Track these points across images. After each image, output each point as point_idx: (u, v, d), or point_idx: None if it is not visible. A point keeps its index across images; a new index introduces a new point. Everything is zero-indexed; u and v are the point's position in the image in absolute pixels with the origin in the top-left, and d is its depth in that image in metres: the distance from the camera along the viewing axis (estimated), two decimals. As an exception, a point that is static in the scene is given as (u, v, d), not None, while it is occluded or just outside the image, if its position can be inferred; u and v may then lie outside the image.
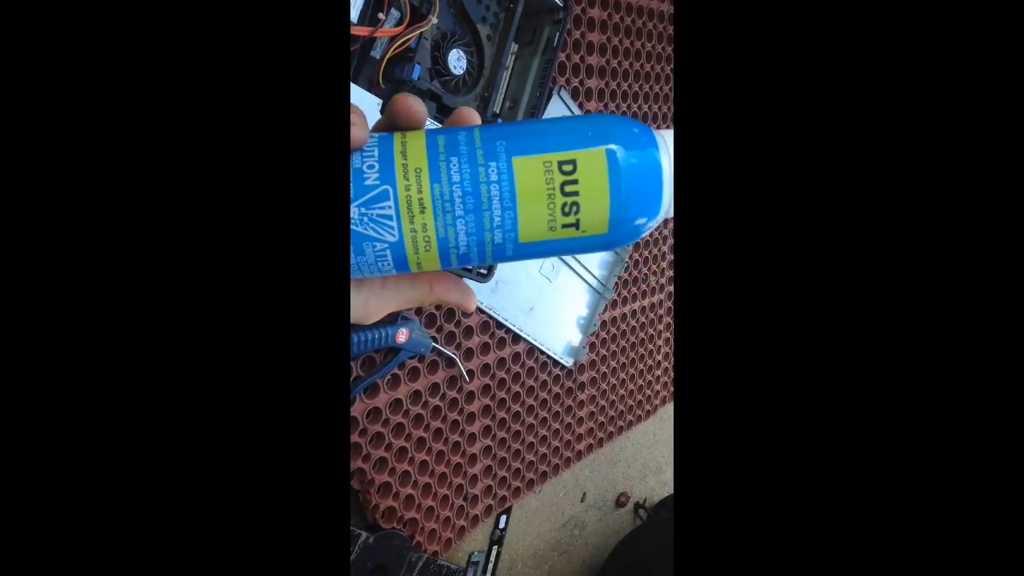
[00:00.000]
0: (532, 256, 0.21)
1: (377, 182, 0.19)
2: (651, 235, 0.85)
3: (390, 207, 0.19)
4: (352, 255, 0.19)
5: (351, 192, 0.19)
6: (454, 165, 0.19)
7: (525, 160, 0.20)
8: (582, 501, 0.86)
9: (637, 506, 0.97)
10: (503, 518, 0.73)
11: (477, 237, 0.20)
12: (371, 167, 0.19)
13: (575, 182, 0.20)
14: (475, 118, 0.22)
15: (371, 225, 0.19)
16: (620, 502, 0.93)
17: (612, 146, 0.20)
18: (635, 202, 0.21)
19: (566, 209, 0.20)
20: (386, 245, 0.19)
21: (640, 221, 0.21)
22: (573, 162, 0.20)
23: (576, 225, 0.20)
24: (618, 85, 0.71)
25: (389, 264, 0.20)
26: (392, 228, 0.19)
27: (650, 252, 0.86)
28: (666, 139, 0.22)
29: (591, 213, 0.20)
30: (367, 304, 0.23)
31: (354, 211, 0.19)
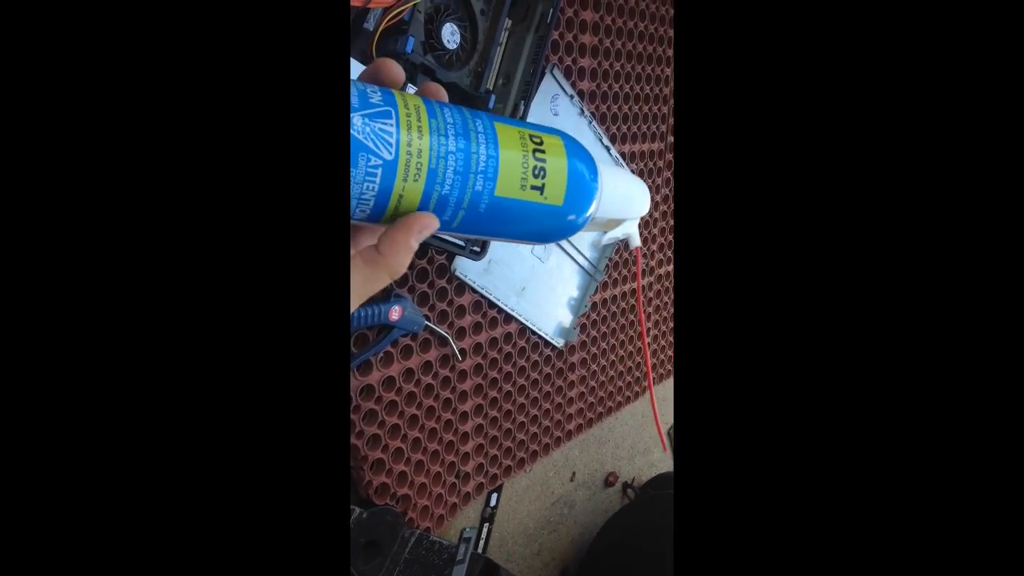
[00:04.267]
0: (499, 220, 0.23)
1: (381, 102, 0.20)
2: (641, 219, 0.85)
3: (392, 124, 0.20)
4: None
5: (356, 103, 0.19)
6: (447, 112, 0.22)
7: (504, 126, 0.23)
8: (571, 480, 0.87)
9: (625, 486, 0.98)
10: (494, 496, 0.73)
11: (463, 179, 0.21)
12: (374, 91, 0.20)
13: (543, 151, 0.23)
14: (442, 93, 0.24)
15: (372, 136, 0.19)
16: (609, 481, 0.94)
17: (567, 140, 0.24)
18: (585, 179, 0.24)
19: (536, 171, 0.23)
20: (380, 162, 0.20)
21: (586, 214, 0.25)
22: (540, 139, 0.23)
23: (541, 189, 0.23)
24: (611, 65, 0.71)
25: (373, 189, 0.20)
26: (391, 144, 0.20)
27: (641, 236, 0.86)
28: (602, 171, 0.26)
29: (554, 180, 0.23)
30: None
31: (356, 119, 0.19)
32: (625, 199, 0.27)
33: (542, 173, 0.23)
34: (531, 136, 0.23)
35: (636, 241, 0.31)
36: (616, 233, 0.29)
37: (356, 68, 0.41)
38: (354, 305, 0.22)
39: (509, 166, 0.22)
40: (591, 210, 0.25)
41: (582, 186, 0.24)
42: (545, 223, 0.24)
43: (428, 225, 0.22)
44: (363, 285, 0.22)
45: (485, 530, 0.72)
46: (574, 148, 0.24)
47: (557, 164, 0.23)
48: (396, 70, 0.23)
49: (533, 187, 0.23)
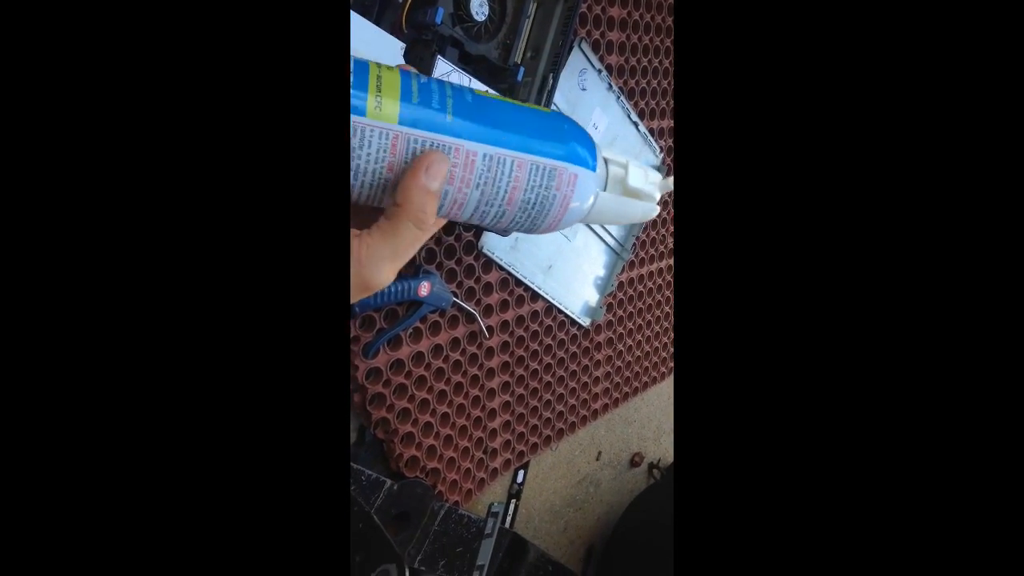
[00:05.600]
0: (493, 116, 0.24)
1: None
2: (666, 196, 0.84)
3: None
4: None
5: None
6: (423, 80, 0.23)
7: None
8: (597, 459, 0.88)
9: (651, 466, 0.98)
10: (521, 473, 0.74)
11: (439, 84, 0.23)
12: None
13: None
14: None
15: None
16: (634, 462, 0.94)
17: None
18: (574, 127, 0.25)
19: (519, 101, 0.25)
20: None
21: (590, 144, 0.26)
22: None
23: (526, 103, 0.25)
24: (639, 39, 0.70)
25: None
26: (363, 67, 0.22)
27: (668, 213, 0.85)
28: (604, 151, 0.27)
29: (539, 106, 0.27)
30: (359, 259, 0.21)
31: None
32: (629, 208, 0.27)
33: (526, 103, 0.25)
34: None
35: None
36: (635, 212, 0.27)
37: (387, 40, 0.41)
38: (387, 265, 0.21)
39: (488, 94, 0.25)
40: (597, 152, 0.25)
41: (572, 125, 0.25)
42: (547, 127, 0.24)
43: (435, 160, 0.21)
44: (386, 242, 0.21)
45: (512, 506, 0.73)
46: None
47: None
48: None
49: (518, 102, 0.25)
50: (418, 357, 0.57)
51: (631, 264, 0.81)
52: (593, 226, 0.74)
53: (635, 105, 0.72)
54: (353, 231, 0.21)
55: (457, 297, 0.59)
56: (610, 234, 0.76)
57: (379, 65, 0.22)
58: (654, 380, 0.92)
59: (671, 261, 0.89)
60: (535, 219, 0.25)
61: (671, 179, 0.27)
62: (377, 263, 0.21)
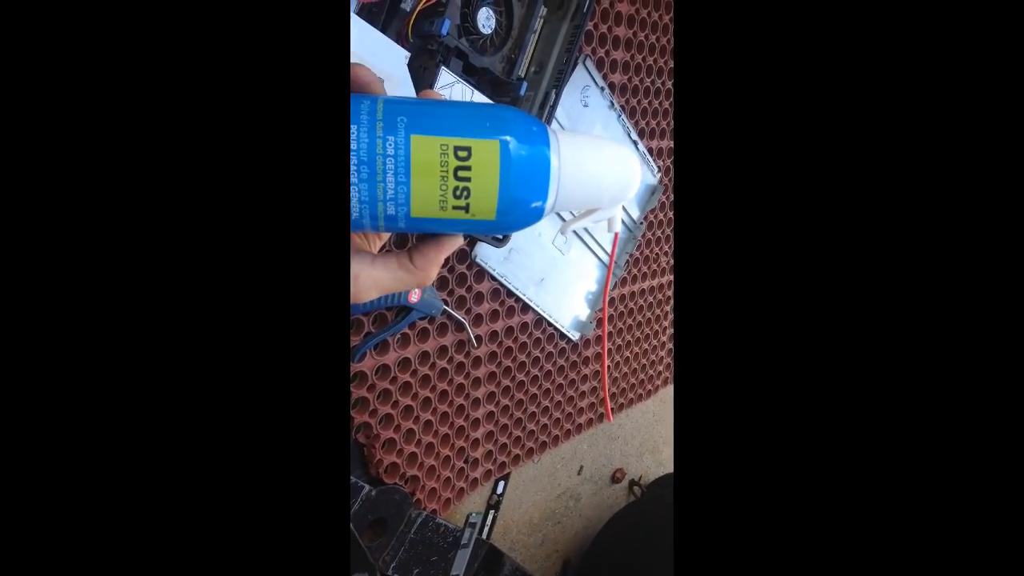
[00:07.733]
0: (425, 230, 0.22)
1: None
2: (663, 215, 0.85)
3: None
4: None
5: None
6: (352, 134, 0.19)
7: (423, 139, 0.20)
8: (579, 474, 0.87)
9: (632, 483, 0.98)
10: (501, 484, 0.74)
11: (370, 207, 0.20)
12: None
13: (468, 168, 0.20)
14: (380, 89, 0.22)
15: None
16: (616, 478, 0.94)
17: (507, 138, 0.21)
18: (523, 194, 0.21)
19: (457, 192, 0.20)
20: None
21: (536, 204, 0.22)
22: (468, 149, 0.20)
23: (466, 209, 0.21)
24: (643, 59, 0.70)
25: None
26: None
27: (663, 232, 0.86)
28: (560, 138, 0.22)
29: (481, 200, 0.21)
30: (357, 278, 0.22)
31: None
32: (595, 191, 0.23)
33: (465, 194, 0.21)
34: (456, 150, 0.20)
35: (615, 226, 0.27)
36: (596, 217, 0.26)
37: (392, 48, 0.41)
38: (376, 294, 0.23)
39: (423, 192, 0.20)
40: (546, 207, 0.22)
41: (519, 202, 0.21)
42: (481, 230, 0.22)
43: (456, 243, 0.24)
44: (392, 283, 0.23)
45: (490, 517, 0.72)
46: (508, 153, 0.21)
47: (485, 183, 0.21)
48: (366, 80, 0.22)
49: (456, 207, 0.21)
50: (404, 363, 0.57)
51: (623, 281, 0.81)
52: (588, 241, 0.74)
53: (636, 124, 0.73)
54: (355, 249, 0.23)
55: (448, 305, 0.58)
56: (604, 250, 0.77)
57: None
58: (639, 397, 0.92)
59: (663, 279, 0.89)
60: None
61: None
62: (371, 291, 0.23)
